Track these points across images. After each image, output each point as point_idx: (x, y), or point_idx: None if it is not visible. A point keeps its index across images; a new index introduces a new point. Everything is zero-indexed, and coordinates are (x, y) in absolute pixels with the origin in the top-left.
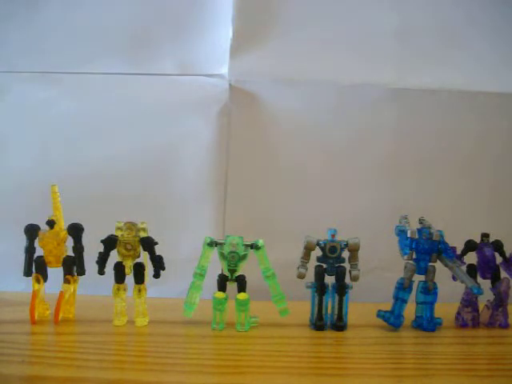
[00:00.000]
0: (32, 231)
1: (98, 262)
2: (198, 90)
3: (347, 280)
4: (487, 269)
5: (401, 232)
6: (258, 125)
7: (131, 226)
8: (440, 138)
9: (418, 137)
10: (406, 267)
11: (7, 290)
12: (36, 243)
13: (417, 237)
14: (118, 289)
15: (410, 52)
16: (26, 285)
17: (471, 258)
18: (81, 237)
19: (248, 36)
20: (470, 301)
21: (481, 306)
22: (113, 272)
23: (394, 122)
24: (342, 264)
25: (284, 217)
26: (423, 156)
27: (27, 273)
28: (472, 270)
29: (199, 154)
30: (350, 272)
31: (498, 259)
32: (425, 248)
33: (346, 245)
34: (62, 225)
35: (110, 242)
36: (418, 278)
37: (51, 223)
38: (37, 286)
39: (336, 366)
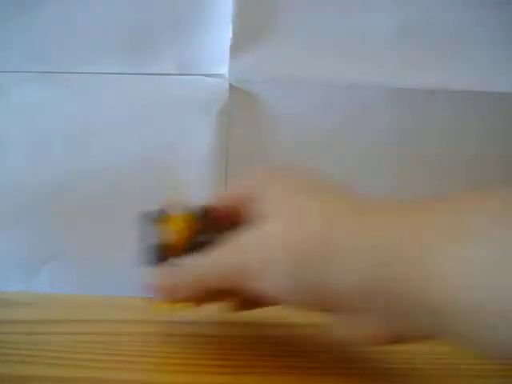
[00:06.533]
0: None
1: None
2: (198, 90)
3: None
4: None
5: None
6: (258, 125)
7: None
8: (440, 138)
9: (417, 137)
10: None
11: (7, 290)
12: None
13: None
14: None
15: (411, 52)
16: (26, 285)
17: None
18: None
19: (248, 36)
20: None
21: None
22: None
23: (394, 123)
24: None
25: None
26: (423, 155)
27: None
28: None
29: (199, 154)
30: None
31: None
32: None
33: None
34: None
35: None
36: None
37: None
38: None
39: (336, 365)
